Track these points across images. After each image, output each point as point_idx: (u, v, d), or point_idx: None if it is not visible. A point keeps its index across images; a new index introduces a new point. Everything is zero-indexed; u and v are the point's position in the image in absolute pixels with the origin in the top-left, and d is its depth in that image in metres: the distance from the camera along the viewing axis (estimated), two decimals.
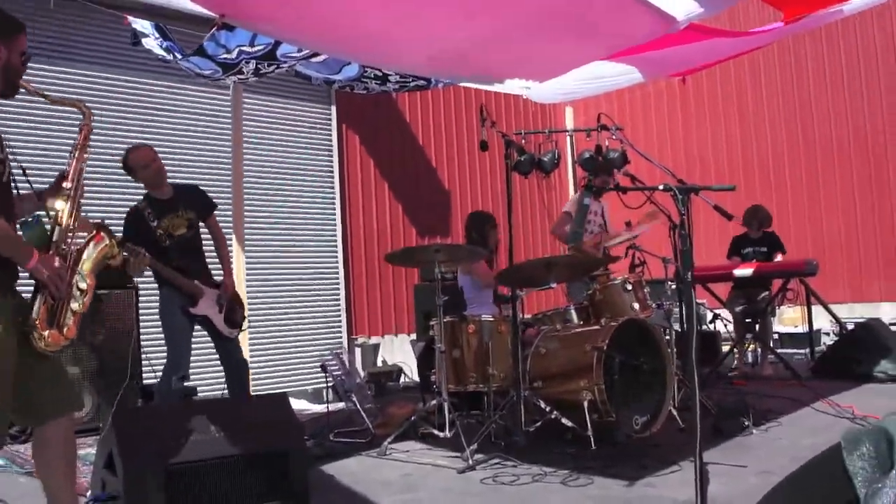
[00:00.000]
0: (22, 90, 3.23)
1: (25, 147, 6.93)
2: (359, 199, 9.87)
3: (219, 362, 5.72)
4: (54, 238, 3.17)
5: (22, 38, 3.15)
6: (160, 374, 5.45)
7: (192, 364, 5.59)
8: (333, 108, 9.68)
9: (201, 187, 6.05)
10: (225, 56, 6.21)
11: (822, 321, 9.68)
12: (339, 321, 9.60)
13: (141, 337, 6.62)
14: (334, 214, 9.64)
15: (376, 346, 9.55)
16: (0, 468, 5.09)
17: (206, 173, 8.43)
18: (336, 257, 9.61)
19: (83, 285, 3.20)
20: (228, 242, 6.86)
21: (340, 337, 9.53)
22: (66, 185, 3.25)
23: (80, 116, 3.36)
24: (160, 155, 5.57)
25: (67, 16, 7.55)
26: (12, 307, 3.05)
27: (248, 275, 7.42)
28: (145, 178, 5.54)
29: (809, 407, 6.02)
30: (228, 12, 4.82)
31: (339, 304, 9.61)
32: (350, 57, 6.48)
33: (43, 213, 3.30)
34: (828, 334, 10.07)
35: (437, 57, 5.85)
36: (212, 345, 5.68)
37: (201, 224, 5.76)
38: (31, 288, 3.09)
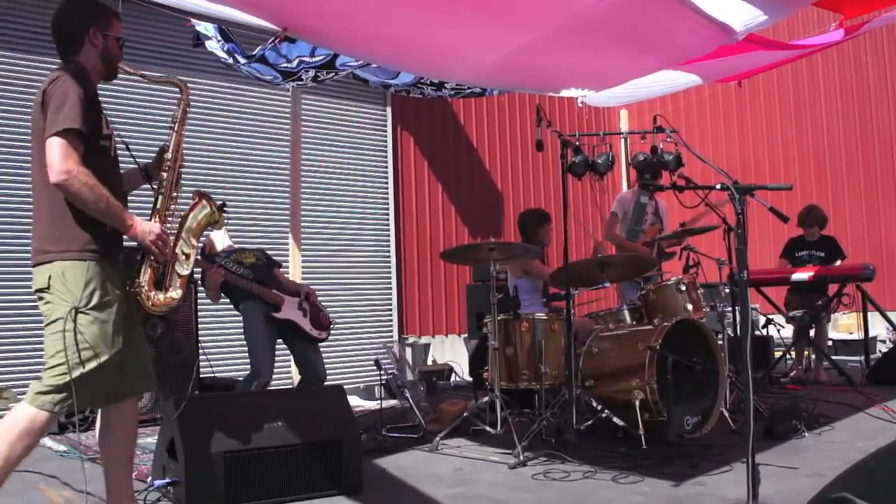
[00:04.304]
0: (122, 73, 3.47)
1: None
2: (412, 199, 9.95)
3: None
4: (157, 206, 3.36)
5: (116, 24, 3.38)
6: (216, 368, 5.62)
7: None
8: (389, 110, 9.78)
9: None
10: (286, 65, 6.36)
11: (878, 328, 9.50)
12: (391, 320, 9.69)
13: (199, 331, 6.75)
14: (388, 214, 9.74)
15: (427, 346, 9.61)
16: (63, 454, 5.25)
17: (264, 172, 8.59)
18: (389, 257, 9.70)
19: (188, 250, 3.38)
20: (285, 240, 7.03)
21: (391, 336, 9.61)
22: (167, 156, 3.45)
23: (178, 93, 3.59)
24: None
25: (130, 16, 7.70)
26: (119, 275, 3.26)
27: (303, 272, 7.54)
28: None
29: (863, 412, 5.96)
30: (291, 26, 4.99)
31: (390, 303, 9.70)
32: (409, 70, 6.59)
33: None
34: (884, 341, 9.89)
35: (494, 71, 5.92)
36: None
37: None
38: None
